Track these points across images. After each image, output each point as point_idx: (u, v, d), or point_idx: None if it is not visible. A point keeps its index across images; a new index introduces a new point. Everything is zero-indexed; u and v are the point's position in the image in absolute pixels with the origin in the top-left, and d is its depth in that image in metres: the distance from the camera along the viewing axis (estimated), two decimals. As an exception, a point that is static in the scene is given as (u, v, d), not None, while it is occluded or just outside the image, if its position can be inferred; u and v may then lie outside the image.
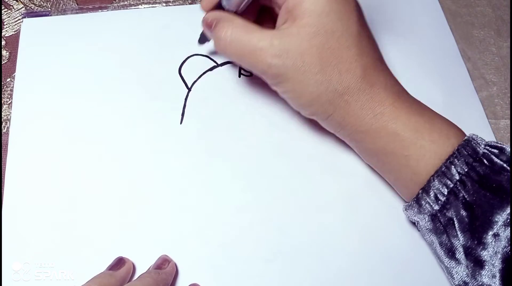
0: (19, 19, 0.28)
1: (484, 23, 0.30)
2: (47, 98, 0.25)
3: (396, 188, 0.21)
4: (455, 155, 0.18)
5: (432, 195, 0.18)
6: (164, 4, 0.29)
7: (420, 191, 0.18)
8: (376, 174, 0.23)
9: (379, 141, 0.19)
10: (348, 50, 0.19)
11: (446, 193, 0.17)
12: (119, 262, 0.20)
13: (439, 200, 0.18)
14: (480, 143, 0.18)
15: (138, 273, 0.21)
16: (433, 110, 0.20)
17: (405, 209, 0.21)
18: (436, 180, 0.18)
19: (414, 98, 0.21)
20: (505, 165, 0.17)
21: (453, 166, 0.17)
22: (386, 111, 0.19)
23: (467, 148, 0.18)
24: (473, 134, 0.19)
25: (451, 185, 0.17)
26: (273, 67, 0.19)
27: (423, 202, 0.18)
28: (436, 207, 0.18)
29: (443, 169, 0.18)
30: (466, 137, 0.19)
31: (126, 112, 0.25)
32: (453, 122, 0.26)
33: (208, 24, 0.21)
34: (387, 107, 0.19)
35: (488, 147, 0.18)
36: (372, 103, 0.19)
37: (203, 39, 0.26)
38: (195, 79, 0.26)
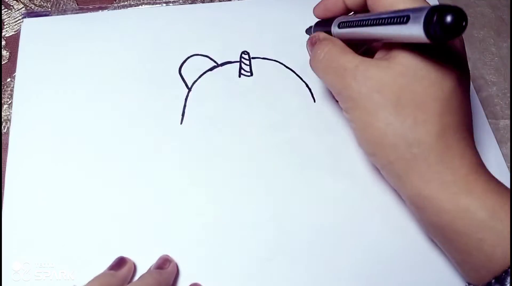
0: (19, 19, 0.28)
1: (483, 23, 0.30)
2: (47, 98, 0.25)
3: (461, 268, 0.19)
4: None
5: None
6: (164, 4, 0.29)
7: (493, 281, 0.16)
8: (377, 174, 0.23)
9: (445, 215, 0.17)
10: (433, 102, 0.17)
11: None
12: (120, 262, 0.20)
13: None
14: None
15: (139, 273, 0.21)
16: (509, 189, 0.18)
17: None
18: None
19: (491, 175, 0.18)
20: None
21: None
22: (458, 182, 0.16)
23: None
24: None
25: None
26: (349, 88, 0.18)
27: None
28: None
29: None
30: None
31: (126, 112, 0.25)
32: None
33: (312, 42, 0.22)
34: (460, 178, 0.17)
35: None
36: (443, 167, 0.17)
37: (309, 31, 0.26)
38: (195, 79, 0.26)
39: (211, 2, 0.29)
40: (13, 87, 0.26)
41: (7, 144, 0.24)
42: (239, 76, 0.27)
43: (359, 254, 0.22)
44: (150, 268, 0.20)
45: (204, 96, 0.26)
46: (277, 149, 0.24)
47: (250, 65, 0.27)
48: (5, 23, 0.28)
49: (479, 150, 0.25)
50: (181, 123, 0.25)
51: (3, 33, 0.28)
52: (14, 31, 0.28)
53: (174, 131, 0.25)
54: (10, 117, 0.25)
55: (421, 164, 0.17)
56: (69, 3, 0.29)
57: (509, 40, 0.29)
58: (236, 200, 0.23)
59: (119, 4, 0.29)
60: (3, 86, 0.26)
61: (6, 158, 0.23)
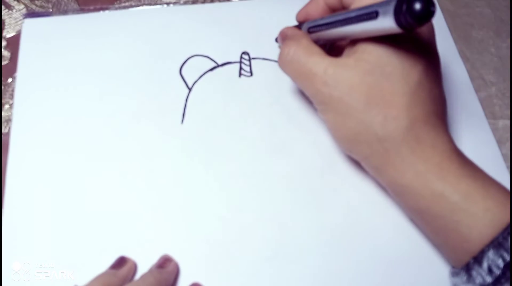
0: (20, 20, 0.28)
1: (483, 23, 0.30)
2: (48, 98, 0.25)
3: (441, 251, 0.20)
4: None
5: (485, 267, 0.16)
6: (165, 5, 0.29)
7: (471, 261, 0.17)
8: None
9: (422, 201, 0.18)
10: (400, 97, 0.18)
11: (502, 266, 0.16)
12: (121, 262, 0.20)
13: (493, 272, 0.16)
14: None
15: (139, 273, 0.21)
16: (486, 173, 0.19)
17: (452, 275, 0.19)
18: (491, 251, 0.16)
19: (467, 159, 0.19)
20: None
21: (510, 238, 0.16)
22: (431, 170, 0.17)
23: None
24: None
25: (508, 258, 0.16)
26: (320, 94, 0.19)
27: (474, 272, 0.17)
28: (489, 280, 0.16)
29: (499, 240, 0.16)
30: None
31: (127, 112, 0.25)
32: (453, 122, 0.27)
33: (282, 37, 0.22)
34: (432, 166, 0.17)
35: None
36: (415, 158, 0.18)
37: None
38: (196, 79, 0.27)
39: (212, 2, 0.30)
40: (14, 87, 0.26)
41: (8, 144, 0.24)
42: (239, 77, 0.27)
43: (361, 253, 0.22)
44: (151, 268, 0.20)
45: (205, 96, 0.26)
46: (277, 149, 0.24)
47: (250, 66, 0.27)
48: (6, 24, 0.28)
49: (477, 150, 0.25)
50: (181, 123, 0.25)
51: (4, 34, 0.28)
52: (15, 32, 0.28)
53: (174, 131, 0.25)
54: (11, 117, 0.25)
55: (394, 157, 0.18)
56: (70, 4, 0.29)
57: (508, 41, 0.29)
58: (236, 199, 0.23)
59: (120, 5, 0.29)
60: (4, 87, 0.26)
61: (7, 158, 0.23)
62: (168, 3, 0.29)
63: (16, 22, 0.28)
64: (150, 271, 0.20)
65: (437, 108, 0.19)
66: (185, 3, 0.29)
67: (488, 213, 0.16)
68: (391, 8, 0.14)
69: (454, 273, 0.19)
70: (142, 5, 0.29)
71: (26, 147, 0.24)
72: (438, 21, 0.30)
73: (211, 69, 0.27)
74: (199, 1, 0.30)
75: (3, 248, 0.21)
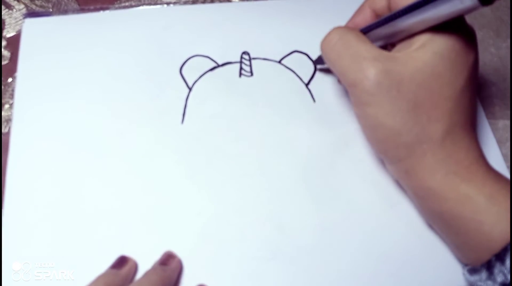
0: (21, 20, 0.28)
1: (483, 23, 0.30)
2: (49, 98, 0.25)
3: (459, 250, 0.20)
4: None
5: (507, 264, 0.16)
6: (166, 5, 0.29)
7: (493, 258, 0.17)
8: (376, 172, 0.23)
9: (446, 202, 0.18)
10: (445, 101, 0.18)
11: None
12: (122, 261, 0.20)
13: None
14: None
15: (140, 272, 0.21)
16: (508, 178, 0.19)
17: (470, 273, 0.19)
18: None
19: (491, 166, 0.19)
20: None
21: None
22: (460, 172, 0.18)
23: None
24: None
25: None
26: (368, 80, 0.17)
27: (495, 270, 0.17)
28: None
29: None
30: None
31: (127, 111, 0.25)
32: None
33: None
34: (462, 168, 0.18)
35: None
36: (448, 160, 0.18)
37: (318, 61, 0.25)
38: (196, 79, 0.27)
39: (212, 2, 0.30)
40: (14, 87, 0.26)
41: (8, 144, 0.24)
42: (240, 77, 0.27)
43: (360, 253, 0.22)
44: (154, 265, 0.20)
45: (205, 96, 0.26)
46: (277, 149, 0.24)
47: (250, 66, 0.27)
48: (6, 24, 0.28)
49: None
50: (181, 123, 0.25)
51: (4, 33, 0.28)
52: (15, 32, 0.28)
53: (175, 131, 0.25)
54: (12, 117, 0.25)
55: (429, 159, 0.18)
56: (70, 4, 0.29)
57: (508, 41, 0.30)
58: (236, 199, 0.23)
59: (120, 5, 0.29)
60: (4, 86, 0.26)
61: (7, 158, 0.23)
62: (168, 3, 0.29)
63: (16, 22, 0.28)
64: (154, 269, 0.20)
65: (473, 117, 0.19)
66: (185, 3, 0.29)
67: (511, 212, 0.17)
68: None
69: (472, 271, 0.18)
70: (142, 5, 0.29)
71: (26, 147, 0.24)
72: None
73: (211, 69, 0.27)
74: (200, 1, 0.30)
75: (3, 248, 0.21)
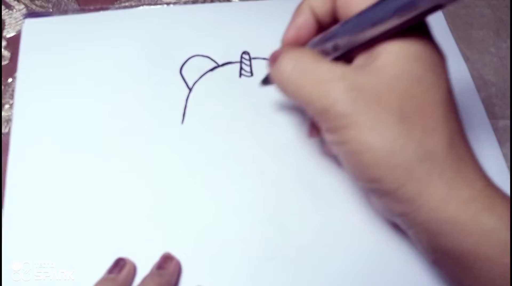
0: (21, 20, 0.28)
1: (483, 23, 0.30)
2: (49, 98, 0.25)
3: None
4: None
5: None
6: (166, 5, 0.29)
7: None
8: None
9: (468, 239, 0.14)
10: (435, 107, 0.14)
11: None
12: (119, 264, 0.20)
13: None
14: None
15: (139, 273, 0.21)
16: None
17: None
18: None
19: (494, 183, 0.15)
20: None
21: None
22: (477, 198, 0.14)
23: None
24: None
25: None
26: (340, 103, 0.14)
27: None
28: None
29: None
30: None
31: (127, 112, 0.25)
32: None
33: (273, 58, 0.17)
34: (478, 193, 0.14)
35: None
36: (461, 182, 0.14)
37: (266, 81, 0.23)
38: (196, 79, 0.27)
39: (212, 2, 0.30)
40: (14, 87, 0.26)
41: (8, 144, 0.24)
42: (240, 77, 0.27)
43: (360, 253, 0.22)
44: (152, 268, 0.20)
45: (205, 96, 0.26)
46: (277, 149, 0.24)
47: (250, 66, 0.27)
48: (6, 24, 0.28)
49: (478, 150, 0.25)
50: (182, 123, 0.25)
51: (4, 34, 0.28)
52: (15, 32, 0.28)
53: (175, 131, 0.25)
54: (12, 117, 0.25)
55: (437, 182, 0.14)
56: (70, 4, 0.29)
57: (508, 41, 0.29)
58: (236, 199, 0.23)
59: (120, 5, 0.29)
60: (4, 87, 0.26)
61: (7, 158, 0.23)
62: (168, 3, 0.29)
63: (16, 22, 0.28)
64: (151, 275, 0.19)
65: (462, 125, 0.16)
66: (185, 3, 0.29)
67: None
68: None
69: None
70: (142, 5, 0.29)
71: (26, 147, 0.24)
72: (439, 21, 0.30)
73: (212, 69, 0.27)
74: (200, 1, 0.30)
75: (3, 248, 0.21)
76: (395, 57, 0.14)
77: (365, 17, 0.15)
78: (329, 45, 0.16)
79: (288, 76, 0.16)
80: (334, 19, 0.17)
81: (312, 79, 0.15)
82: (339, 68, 0.15)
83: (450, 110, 0.15)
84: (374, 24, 0.14)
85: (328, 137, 0.16)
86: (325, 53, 0.17)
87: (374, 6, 0.14)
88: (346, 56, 0.17)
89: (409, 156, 0.14)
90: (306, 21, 0.17)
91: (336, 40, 0.16)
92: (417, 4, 0.13)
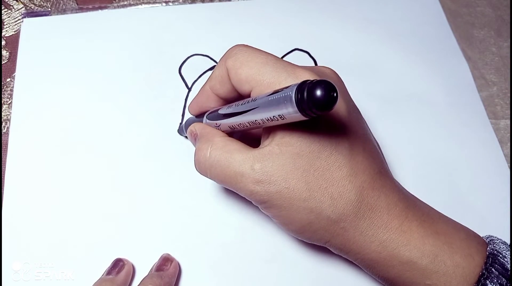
0: (19, 19, 0.28)
1: (484, 23, 0.30)
2: (47, 98, 0.25)
3: None
4: (485, 276, 0.16)
5: None
6: (164, 4, 0.29)
7: None
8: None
9: (392, 270, 0.17)
10: (338, 171, 0.16)
11: None
12: (118, 265, 0.20)
13: None
14: (506, 255, 0.16)
15: (139, 273, 0.21)
16: (444, 218, 0.18)
17: None
18: None
19: (424, 209, 0.18)
20: None
21: None
22: (393, 237, 0.16)
23: (495, 265, 0.16)
24: (493, 245, 0.17)
25: None
26: (256, 194, 0.17)
27: None
28: None
29: None
30: (489, 250, 0.17)
31: (126, 111, 0.25)
32: (454, 122, 0.27)
33: (192, 136, 0.20)
34: (393, 233, 0.16)
35: None
36: (375, 229, 0.16)
37: (182, 131, 0.24)
38: (196, 79, 0.26)
39: (211, 2, 0.29)
40: (13, 87, 0.26)
41: (7, 144, 0.24)
42: (239, 76, 0.27)
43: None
44: (151, 269, 0.20)
45: (204, 96, 0.26)
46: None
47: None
48: (5, 23, 0.28)
49: (480, 150, 0.25)
50: (181, 123, 0.25)
51: (3, 33, 0.28)
52: (14, 31, 0.28)
53: (174, 131, 0.25)
54: (10, 117, 0.25)
55: (354, 234, 0.17)
56: (69, 3, 0.29)
57: (509, 40, 0.29)
58: (236, 200, 0.23)
59: (118, 4, 0.29)
60: (3, 86, 0.26)
61: (6, 158, 0.23)
62: (167, 2, 0.29)
63: (15, 21, 0.28)
64: (150, 276, 0.19)
65: (377, 166, 0.17)
66: (184, 2, 0.29)
67: (458, 269, 0.16)
68: (292, 98, 0.13)
69: None
70: (141, 4, 0.29)
71: (25, 147, 0.24)
72: (440, 21, 0.29)
73: (211, 69, 0.27)
74: (199, 0, 0.29)
75: (3, 248, 0.21)
76: (292, 136, 0.16)
77: (246, 109, 0.16)
78: (212, 123, 0.19)
79: (207, 171, 0.18)
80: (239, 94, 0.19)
81: (228, 176, 0.17)
82: (248, 159, 0.17)
83: (356, 164, 0.17)
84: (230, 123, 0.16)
85: (262, 210, 0.18)
86: (228, 132, 0.18)
87: (260, 98, 0.15)
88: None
89: (325, 222, 0.17)
90: (207, 99, 0.20)
91: (216, 122, 0.18)
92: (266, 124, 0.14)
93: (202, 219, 0.22)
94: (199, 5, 0.29)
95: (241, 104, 0.16)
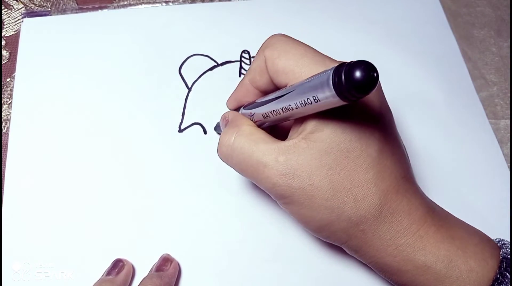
0: (19, 19, 0.28)
1: (484, 23, 0.30)
2: (47, 98, 0.25)
3: None
4: (499, 281, 0.16)
5: None
6: (164, 4, 0.29)
7: None
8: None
9: (405, 274, 0.17)
10: (365, 173, 0.16)
11: None
12: (118, 266, 0.20)
13: None
14: None
15: (139, 273, 0.21)
16: (459, 223, 0.18)
17: None
18: None
19: (442, 214, 0.18)
20: None
21: None
22: (410, 242, 0.16)
23: (509, 270, 0.16)
24: (506, 249, 0.17)
25: None
26: (278, 187, 0.16)
27: None
28: None
29: None
30: (502, 254, 0.17)
31: (126, 111, 0.25)
32: (454, 122, 0.27)
33: (224, 121, 0.20)
34: (411, 237, 0.16)
35: None
36: (393, 233, 0.16)
37: (218, 129, 0.24)
38: (196, 79, 0.26)
39: (211, 1, 0.29)
40: (13, 87, 0.26)
41: (7, 144, 0.24)
42: (240, 76, 0.27)
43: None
44: (151, 269, 0.20)
45: (205, 96, 0.26)
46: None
47: (250, 65, 0.27)
48: (5, 23, 0.28)
49: (479, 150, 0.25)
50: (181, 123, 0.25)
51: (3, 33, 0.28)
52: (14, 31, 0.28)
53: (174, 131, 0.25)
54: (10, 117, 0.25)
55: (372, 237, 0.17)
56: (69, 3, 0.29)
57: (509, 40, 0.29)
58: (236, 200, 0.23)
59: (118, 4, 0.29)
60: (3, 86, 0.26)
61: (6, 158, 0.23)
62: (167, 2, 0.29)
63: (15, 21, 0.28)
64: (150, 277, 0.19)
65: (403, 172, 0.17)
66: (184, 2, 0.29)
67: (471, 274, 0.16)
68: (329, 80, 0.12)
69: None
70: (141, 3, 0.29)
71: (25, 147, 0.24)
72: (440, 21, 0.29)
73: (211, 69, 0.27)
74: (199, 0, 0.29)
75: (3, 248, 0.21)
76: (322, 131, 0.16)
77: (281, 95, 0.16)
78: (247, 113, 0.19)
79: (231, 160, 0.18)
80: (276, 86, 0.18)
81: (251, 165, 0.17)
82: (273, 150, 0.16)
83: (383, 169, 0.16)
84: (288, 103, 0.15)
85: (281, 207, 0.18)
86: (261, 122, 0.18)
87: (295, 86, 0.15)
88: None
89: (345, 223, 0.16)
90: (246, 93, 0.19)
91: (251, 111, 0.18)
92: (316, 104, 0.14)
93: (202, 219, 0.22)
94: (199, 5, 0.29)
95: (278, 91, 0.16)
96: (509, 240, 0.18)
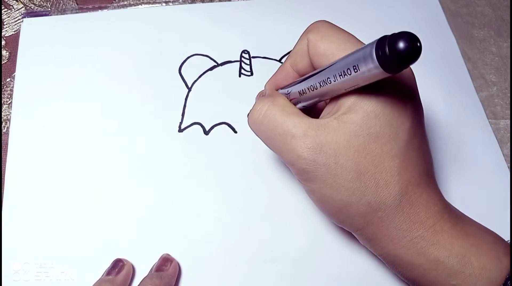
0: (19, 19, 0.28)
1: (484, 23, 0.30)
2: (47, 98, 0.25)
3: None
4: None
5: None
6: (164, 4, 0.29)
7: None
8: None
9: (417, 268, 0.17)
10: (391, 160, 0.16)
11: None
12: (118, 266, 0.20)
13: None
14: None
15: (138, 274, 0.21)
16: (474, 222, 0.18)
17: None
18: None
19: (457, 213, 0.18)
20: None
21: None
22: (425, 235, 0.16)
23: None
24: None
25: None
26: (302, 160, 0.16)
27: None
28: None
29: None
30: None
31: (126, 111, 0.25)
32: (454, 122, 0.27)
33: (262, 94, 0.20)
34: (426, 231, 0.16)
35: None
36: (410, 224, 0.16)
37: None
38: (196, 79, 0.26)
39: (211, 2, 0.29)
40: (12, 87, 0.26)
41: (7, 144, 0.24)
42: (239, 76, 0.27)
43: (359, 254, 0.22)
44: (151, 269, 0.20)
45: (204, 96, 0.26)
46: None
47: (250, 65, 0.27)
48: (5, 23, 0.28)
49: (479, 150, 0.25)
50: (181, 122, 0.25)
51: (3, 33, 0.28)
52: (14, 31, 0.28)
53: (174, 131, 0.25)
54: (10, 117, 0.25)
55: (388, 226, 0.17)
56: (68, 3, 0.29)
57: (509, 40, 0.29)
58: (236, 200, 0.23)
59: (118, 4, 0.29)
60: (3, 86, 0.26)
61: (6, 158, 0.23)
62: (167, 2, 0.29)
63: (15, 21, 0.28)
64: (150, 277, 0.19)
65: (427, 167, 0.18)
66: (184, 2, 0.29)
67: (484, 271, 0.16)
68: (372, 52, 0.13)
69: None
70: (141, 4, 0.29)
71: (25, 147, 0.24)
72: (440, 21, 0.29)
73: (211, 69, 0.27)
74: (198, 0, 0.29)
75: (3, 248, 0.21)
76: (356, 113, 0.16)
77: (327, 67, 0.16)
78: (284, 91, 0.19)
79: (259, 126, 0.18)
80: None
81: (279, 133, 0.17)
82: (303, 123, 0.17)
83: (408, 159, 0.16)
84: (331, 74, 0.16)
85: (300, 183, 0.18)
86: (296, 100, 0.18)
87: (338, 60, 0.15)
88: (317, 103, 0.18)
89: (364, 208, 0.16)
90: (286, 76, 0.20)
91: (288, 89, 0.18)
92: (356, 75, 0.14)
93: (202, 219, 0.22)
94: (199, 5, 0.29)
95: (317, 69, 0.16)
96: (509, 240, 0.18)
